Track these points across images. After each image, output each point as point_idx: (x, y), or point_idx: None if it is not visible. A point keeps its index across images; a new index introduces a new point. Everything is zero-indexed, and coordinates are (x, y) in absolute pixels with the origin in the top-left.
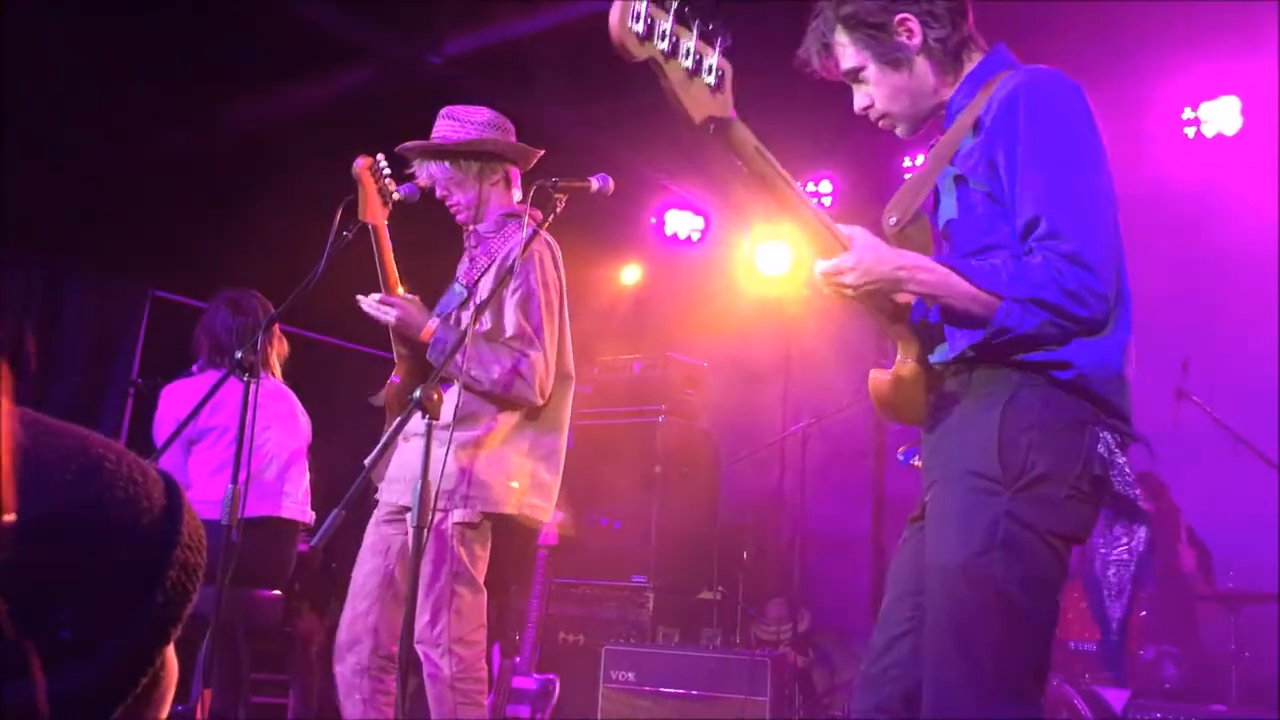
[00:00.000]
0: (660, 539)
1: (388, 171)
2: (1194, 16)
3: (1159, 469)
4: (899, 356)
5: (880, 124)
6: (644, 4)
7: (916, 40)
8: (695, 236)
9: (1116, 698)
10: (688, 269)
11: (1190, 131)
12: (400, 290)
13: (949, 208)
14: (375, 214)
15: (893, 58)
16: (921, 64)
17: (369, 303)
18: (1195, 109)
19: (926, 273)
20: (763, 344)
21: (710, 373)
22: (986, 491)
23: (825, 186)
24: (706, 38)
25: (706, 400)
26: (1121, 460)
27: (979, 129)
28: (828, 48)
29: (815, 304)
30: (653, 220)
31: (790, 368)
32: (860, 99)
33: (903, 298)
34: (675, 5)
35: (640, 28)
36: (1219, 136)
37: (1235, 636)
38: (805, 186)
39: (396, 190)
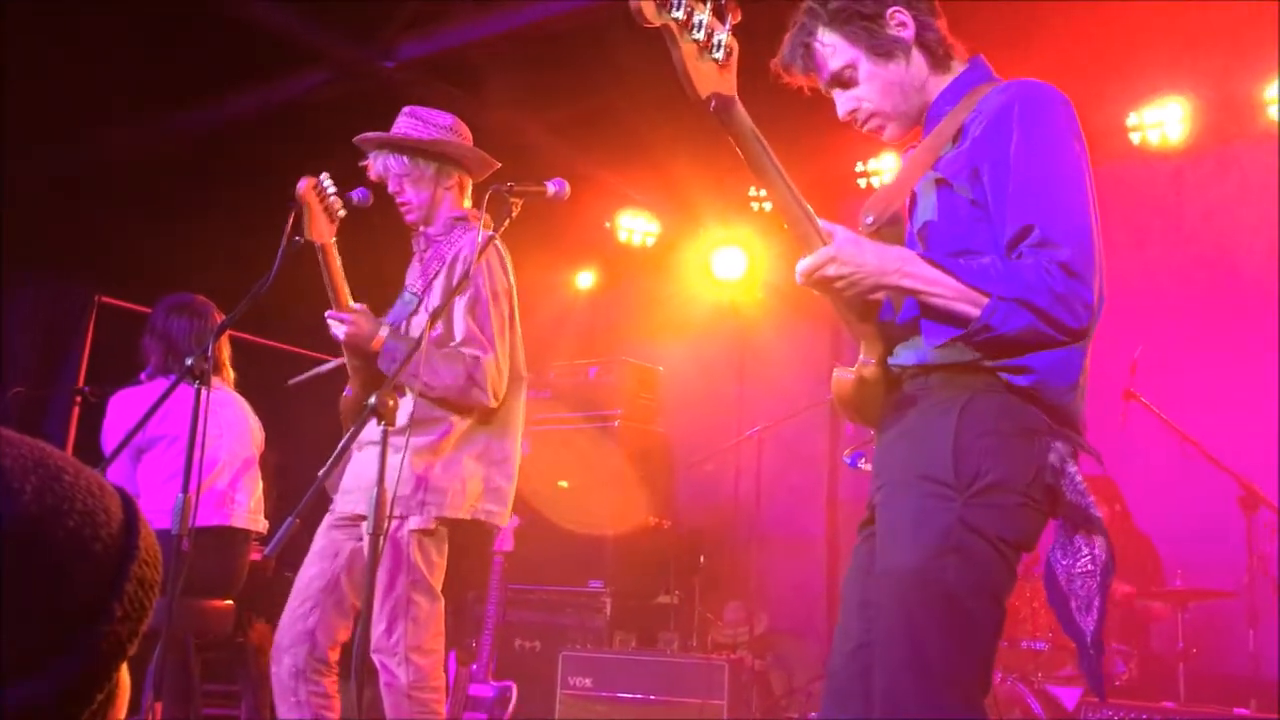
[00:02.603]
0: (617, 544)
1: (332, 190)
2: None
3: (1109, 471)
4: (861, 356)
5: (867, 127)
6: None
7: (910, 32)
8: (650, 241)
9: (1068, 696)
10: (642, 273)
11: (1136, 138)
12: (349, 302)
13: (927, 210)
14: (321, 233)
15: (887, 49)
16: (916, 56)
17: (327, 316)
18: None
19: (915, 266)
20: (718, 348)
21: (666, 377)
22: (940, 497)
23: None
24: (719, 13)
25: (662, 404)
26: (1073, 469)
27: (963, 136)
28: (810, 51)
29: (770, 308)
30: (607, 224)
31: (745, 371)
32: (846, 103)
33: (877, 296)
34: None
35: None
36: (1161, 142)
37: (1183, 634)
38: (760, 190)
39: (342, 209)
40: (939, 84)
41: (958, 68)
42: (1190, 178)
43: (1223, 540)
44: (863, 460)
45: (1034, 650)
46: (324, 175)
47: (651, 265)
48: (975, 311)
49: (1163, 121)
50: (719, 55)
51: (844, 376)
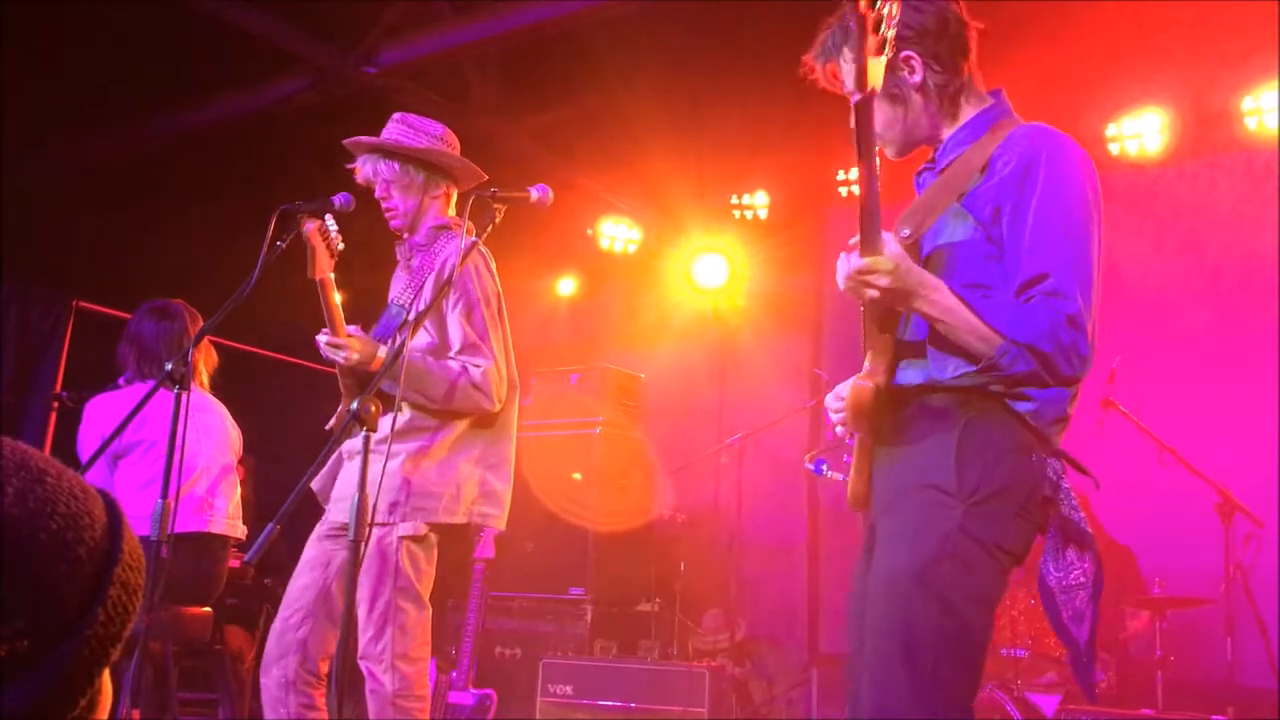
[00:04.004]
0: (598, 551)
1: (335, 229)
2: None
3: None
4: (868, 368)
5: None
6: None
7: (917, 78)
8: (631, 248)
9: (1048, 703)
10: (624, 280)
11: (1115, 148)
12: (345, 329)
13: (945, 235)
14: (322, 269)
15: (890, 91)
16: (917, 101)
17: (322, 344)
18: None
19: (941, 295)
20: (699, 355)
21: (647, 384)
22: (941, 505)
23: (761, 198)
24: (889, 19)
25: (643, 411)
26: (1067, 485)
27: (989, 171)
28: (833, 62)
29: (751, 315)
30: (589, 231)
31: (726, 379)
32: None
33: (896, 311)
34: None
35: None
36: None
37: (1161, 642)
38: (742, 198)
39: (342, 244)
40: (951, 123)
41: (970, 105)
42: (1168, 188)
43: (1200, 548)
44: (826, 467)
45: (1014, 657)
46: (329, 217)
47: (633, 272)
48: (985, 348)
49: (1141, 132)
50: (887, 53)
51: (864, 385)
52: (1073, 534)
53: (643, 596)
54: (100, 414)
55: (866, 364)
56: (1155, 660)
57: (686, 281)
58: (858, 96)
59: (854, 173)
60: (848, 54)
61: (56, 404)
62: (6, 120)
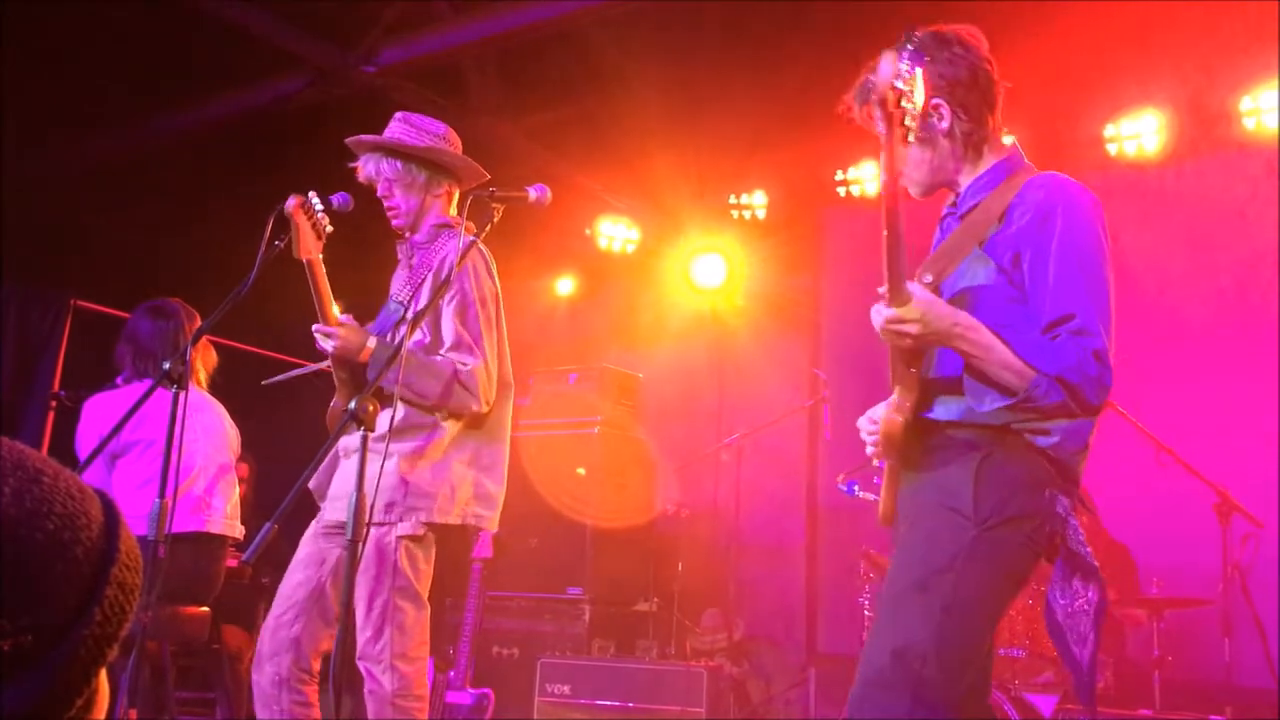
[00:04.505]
0: (596, 551)
1: (320, 207)
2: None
3: (1085, 481)
4: (896, 400)
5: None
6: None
7: (945, 125)
8: (630, 248)
9: (1045, 703)
10: (623, 280)
11: (1113, 149)
12: (336, 313)
13: (967, 278)
14: (308, 250)
15: (920, 135)
16: (944, 146)
17: (315, 332)
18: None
19: (977, 334)
20: (698, 355)
21: (646, 384)
22: (957, 526)
23: (759, 198)
24: (908, 95)
25: (642, 411)
26: (1075, 522)
27: (1007, 220)
28: (869, 105)
29: (750, 315)
30: (587, 231)
31: (725, 379)
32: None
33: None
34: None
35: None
36: (1138, 153)
37: (1159, 642)
38: (740, 198)
39: (329, 225)
40: (972, 170)
41: (991, 155)
42: (1166, 188)
43: (1198, 548)
44: (858, 488)
45: (1011, 657)
46: (311, 194)
47: (632, 272)
48: (1019, 382)
49: (1140, 133)
50: (912, 138)
51: (895, 419)
52: (1078, 566)
53: (641, 596)
54: (98, 413)
55: (895, 397)
56: (1153, 660)
57: (685, 281)
58: (885, 178)
59: (852, 172)
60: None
61: (54, 403)
62: (6, 120)
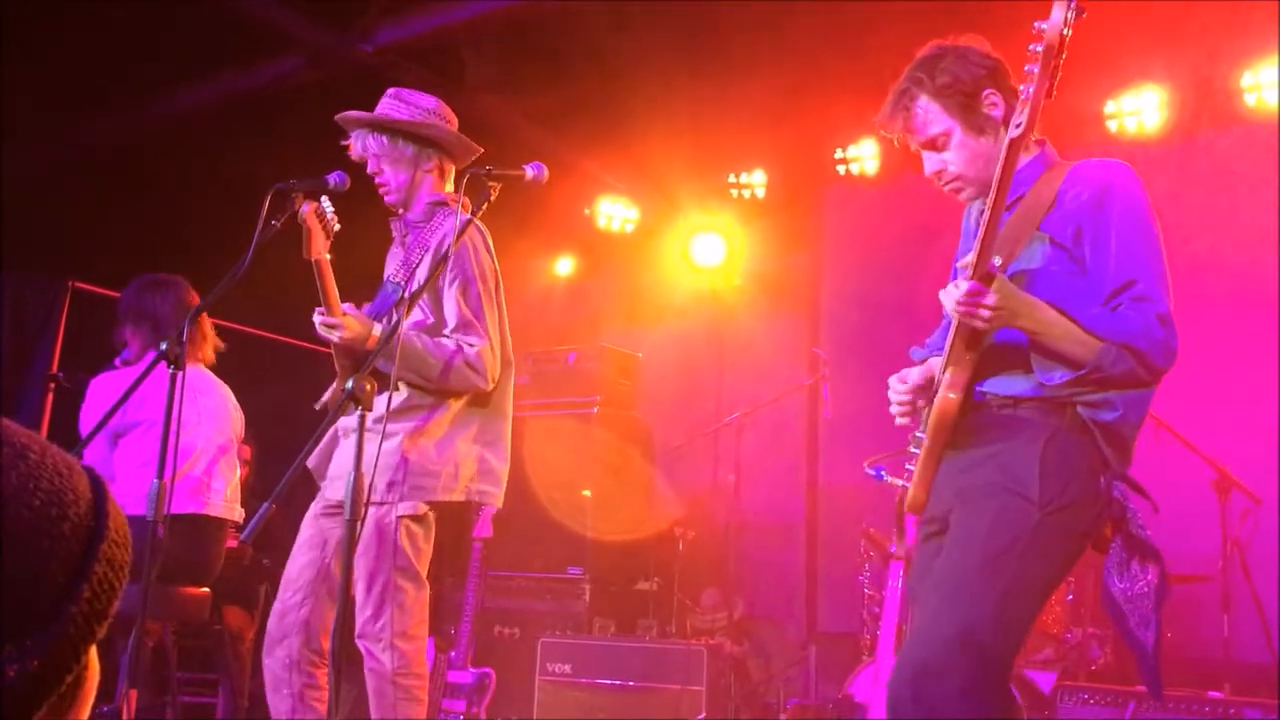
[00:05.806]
0: (596, 530)
1: (331, 210)
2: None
3: None
4: (949, 380)
5: (948, 187)
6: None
7: (1000, 112)
8: (629, 227)
9: (1045, 680)
10: (621, 260)
11: (1113, 125)
12: (340, 308)
13: (1023, 260)
14: (318, 250)
15: (979, 125)
16: (1002, 133)
17: (317, 323)
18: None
19: (1043, 311)
20: (697, 334)
21: (645, 363)
22: (1021, 510)
23: (758, 177)
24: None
25: (641, 390)
26: (1134, 506)
27: (1059, 203)
28: (910, 114)
29: (749, 294)
30: (586, 211)
31: (724, 358)
32: (933, 164)
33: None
34: None
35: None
36: (1138, 130)
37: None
38: (739, 177)
39: (338, 225)
40: (1022, 158)
41: (1030, 149)
42: (1167, 165)
43: (1197, 525)
44: (885, 473)
45: None
46: (325, 199)
47: (630, 251)
48: (1087, 354)
49: (1140, 109)
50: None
51: (951, 399)
52: (1138, 548)
53: (641, 575)
54: (103, 392)
55: (948, 376)
56: None
57: (684, 261)
58: (1017, 133)
59: (851, 151)
60: (925, 101)
61: (53, 384)
62: (2, 103)
